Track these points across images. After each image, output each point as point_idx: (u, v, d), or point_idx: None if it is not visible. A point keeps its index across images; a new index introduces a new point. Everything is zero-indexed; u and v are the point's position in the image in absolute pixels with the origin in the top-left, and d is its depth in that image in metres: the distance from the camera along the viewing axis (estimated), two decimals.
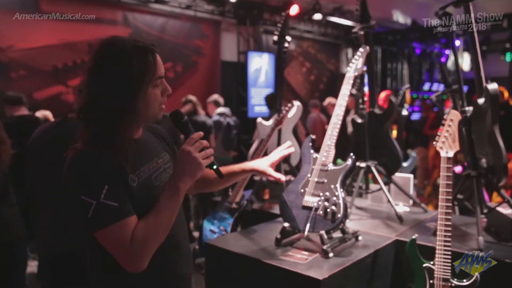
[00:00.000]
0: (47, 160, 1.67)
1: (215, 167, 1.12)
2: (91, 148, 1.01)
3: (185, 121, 1.11)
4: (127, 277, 1.03)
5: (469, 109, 1.96)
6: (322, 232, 1.63)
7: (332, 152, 1.79)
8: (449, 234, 1.54)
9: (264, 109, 7.27)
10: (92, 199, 0.97)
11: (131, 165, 1.06)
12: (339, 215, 1.63)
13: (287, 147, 1.53)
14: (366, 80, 2.57)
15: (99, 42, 1.05)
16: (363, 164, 2.34)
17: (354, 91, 2.55)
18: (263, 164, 1.45)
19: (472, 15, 1.87)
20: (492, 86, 1.81)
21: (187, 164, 1.03)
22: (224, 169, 1.42)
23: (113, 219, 0.98)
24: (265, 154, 2.69)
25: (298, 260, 1.58)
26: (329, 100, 6.20)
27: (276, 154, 1.49)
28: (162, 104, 1.11)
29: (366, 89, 2.58)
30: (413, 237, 1.63)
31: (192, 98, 4.39)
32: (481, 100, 1.88)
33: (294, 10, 6.13)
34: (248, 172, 1.46)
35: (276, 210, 2.30)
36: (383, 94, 4.68)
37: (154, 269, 1.08)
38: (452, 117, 1.68)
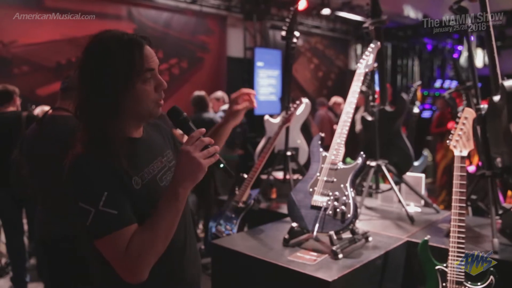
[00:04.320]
0: (38, 157, 1.89)
1: (222, 165, 1.01)
2: (89, 153, 0.97)
3: (184, 118, 1.02)
4: (130, 284, 0.98)
5: (484, 106, 1.91)
6: (332, 232, 1.60)
7: (342, 150, 1.76)
8: (463, 235, 1.51)
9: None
10: (91, 206, 0.93)
11: (134, 166, 1.02)
12: (349, 215, 1.60)
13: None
14: (376, 76, 2.52)
15: (89, 38, 1.01)
16: (373, 163, 2.31)
17: (364, 88, 2.51)
18: (232, 107, 1.42)
19: (488, 9, 1.81)
20: (509, 83, 1.76)
21: (186, 166, 0.94)
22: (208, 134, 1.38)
23: (112, 228, 0.93)
24: (273, 152, 2.67)
25: (306, 261, 1.55)
26: (334, 99, 6.15)
27: (237, 93, 1.45)
28: (159, 100, 1.03)
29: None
30: (425, 238, 1.59)
31: (202, 93, 4.32)
32: (496, 98, 1.82)
33: (302, 4, 6.06)
34: (227, 122, 1.41)
35: (284, 209, 2.27)
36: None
37: (159, 274, 1.04)
38: (467, 115, 1.64)
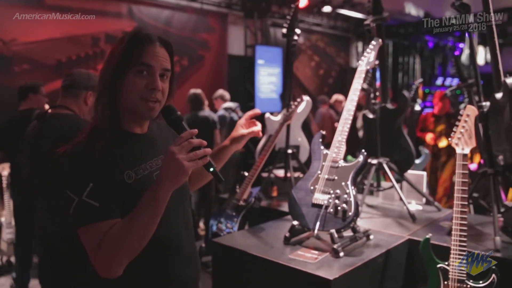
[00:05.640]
0: (39, 156, 1.88)
1: (211, 169, 0.97)
2: (85, 142, 1.00)
3: (176, 117, 1.00)
4: (119, 280, 0.98)
5: (486, 104, 1.90)
6: (333, 230, 1.60)
7: (343, 148, 1.75)
8: (465, 233, 1.50)
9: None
10: (75, 195, 0.95)
11: (129, 160, 1.03)
12: (350, 213, 1.59)
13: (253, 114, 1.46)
14: (377, 74, 2.51)
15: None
16: (374, 161, 2.30)
17: (365, 86, 2.50)
18: (237, 131, 1.41)
19: (491, 6, 1.79)
20: (511, 81, 1.74)
21: (169, 167, 0.91)
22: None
23: (92, 219, 0.94)
24: (273, 150, 2.66)
25: (307, 259, 1.55)
26: (335, 97, 6.14)
27: (243, 118, 1.44)
28: (147, 100, 1.02)
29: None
30: (427, 236, 1.59)
31: (198, 91, 4.32)
32: (498, 95, 1.81)
33: (303, 2, 6.05)
34: (230, 145, 1.40)
35: (285, 207, 2.26)
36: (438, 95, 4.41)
37: (150, 272, 1.04)
38: (469, 112, 1.62)
